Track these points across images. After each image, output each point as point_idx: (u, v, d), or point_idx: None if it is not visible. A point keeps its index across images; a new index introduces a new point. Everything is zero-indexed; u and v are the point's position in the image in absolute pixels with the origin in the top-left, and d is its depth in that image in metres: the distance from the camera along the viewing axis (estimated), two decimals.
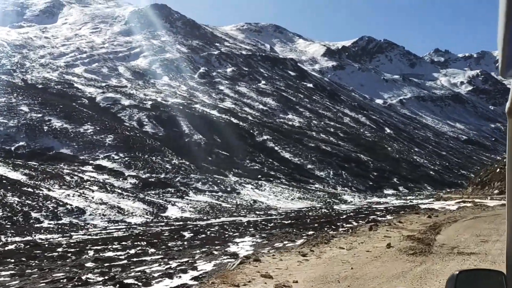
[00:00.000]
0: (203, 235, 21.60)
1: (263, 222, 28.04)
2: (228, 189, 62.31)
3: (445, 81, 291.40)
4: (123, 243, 19.25)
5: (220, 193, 59.63)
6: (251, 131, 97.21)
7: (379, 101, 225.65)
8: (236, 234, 21.25)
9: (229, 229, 23.96)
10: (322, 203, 57.39)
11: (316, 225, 23.82)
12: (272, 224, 26.44)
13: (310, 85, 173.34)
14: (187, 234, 22.36)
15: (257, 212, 44.06)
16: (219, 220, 35.89)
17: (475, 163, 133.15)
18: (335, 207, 50.96)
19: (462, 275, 1.96)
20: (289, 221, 27.37)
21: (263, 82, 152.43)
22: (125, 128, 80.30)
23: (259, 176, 73.93)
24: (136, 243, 19.03)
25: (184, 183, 61.06)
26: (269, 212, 43.71)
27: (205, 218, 39.22)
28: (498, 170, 49.42)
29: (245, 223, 28.27)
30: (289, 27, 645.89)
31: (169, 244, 18.12)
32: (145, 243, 18.73)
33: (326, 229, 20.62)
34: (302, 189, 69.08)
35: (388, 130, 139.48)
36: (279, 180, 74.53)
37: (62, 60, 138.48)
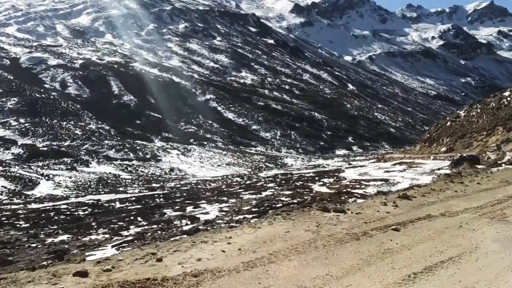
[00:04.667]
0: None
1: (101, 208, 19.30)
2: (147, 156, 53.32)
3: (416, 36, 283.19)
4: None
5: (134, 162, 50.66)
6: (193, 90, 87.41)
7: (348, 58, 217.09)
8: None
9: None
10: (251, 169, 49.00)
11: (131, 213, 15.24)
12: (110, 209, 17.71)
13: (271, 41, 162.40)
14: None
15: (154, 185, 35.43)
16: (77, 200, 27.07)
17: (441, 119, 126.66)
18: (260, 174, 42.57)
19: None
20: (135, 207, 18.72)
21: (218, 38, 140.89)
22: (37, 90, 69.61)
23: (191, 140, 64.91)
24: None
25: (92, 151, 51.71)
26: (168, 186, 34.95)
27: (72, 195, 30.44)
28: (448, 123, 41.41)
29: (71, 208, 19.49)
30: None
31: None
32: None
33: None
34: (238, 153, 60.44)
35: (351, 87, 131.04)
36: (215, 143, 65.71)
37: None
